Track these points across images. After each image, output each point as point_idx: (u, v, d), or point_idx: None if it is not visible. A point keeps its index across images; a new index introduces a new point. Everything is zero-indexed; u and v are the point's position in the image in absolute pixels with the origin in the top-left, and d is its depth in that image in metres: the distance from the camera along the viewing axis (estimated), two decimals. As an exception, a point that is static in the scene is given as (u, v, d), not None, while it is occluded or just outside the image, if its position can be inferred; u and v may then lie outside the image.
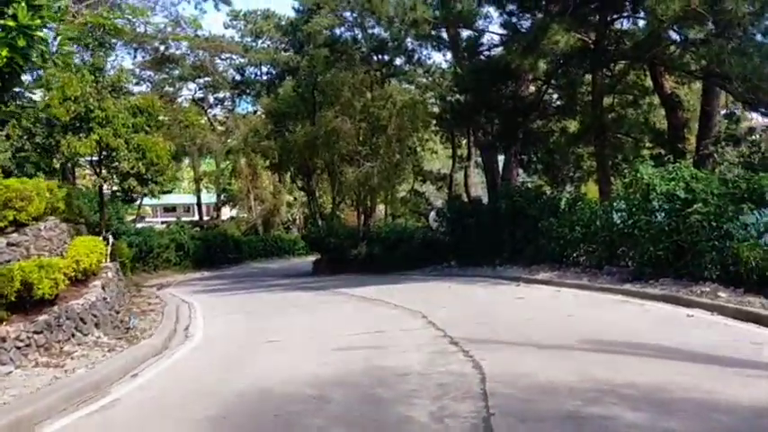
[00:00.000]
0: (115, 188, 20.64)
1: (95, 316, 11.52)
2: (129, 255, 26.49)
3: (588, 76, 21.66)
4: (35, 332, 9.44)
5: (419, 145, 37.70)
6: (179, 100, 51.82)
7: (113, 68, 28.53)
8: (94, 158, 20.44)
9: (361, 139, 29.88)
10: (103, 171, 20.70)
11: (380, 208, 41.87)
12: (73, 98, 19.35)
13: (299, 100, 34.17)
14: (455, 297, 15.18)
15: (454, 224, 24.39)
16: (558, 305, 12.45)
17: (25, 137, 20.27)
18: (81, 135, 19.49)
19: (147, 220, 65.35)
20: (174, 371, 9.03)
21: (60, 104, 19.37)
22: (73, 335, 10.49)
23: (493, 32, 22.69)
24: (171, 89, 50.87)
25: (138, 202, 57.28)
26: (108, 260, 16.53)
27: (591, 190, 24.60)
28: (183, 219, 59.01)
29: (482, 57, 23.79)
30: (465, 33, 27.13)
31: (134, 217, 48.01)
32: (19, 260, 11.05)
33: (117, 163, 19.98)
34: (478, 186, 43.82)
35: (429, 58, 42.84)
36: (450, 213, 24.95)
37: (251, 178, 49.35)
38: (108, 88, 20.26)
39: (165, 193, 54.29)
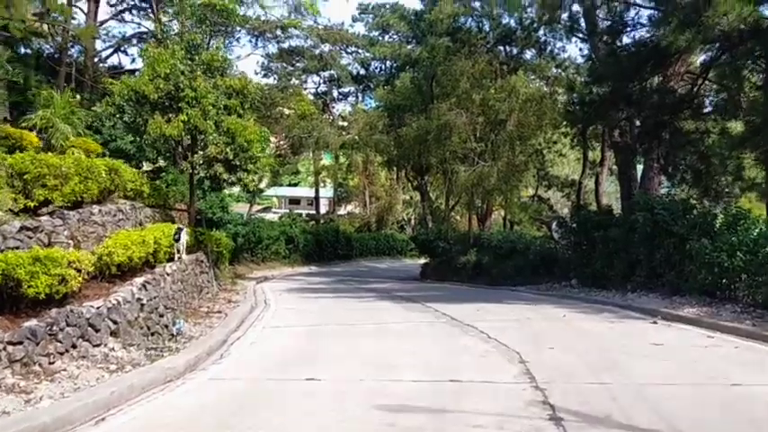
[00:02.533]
0: (202, 174, 18.84)
1: (115, 321, 9.35)
2: (227, 245, 24.96)
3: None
4: (10, 342, 7.28)
5: (546, 146, 33.88)
6: (304, 93, 50.72)
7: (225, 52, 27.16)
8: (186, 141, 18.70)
9: (477, 135, 26.68)
10: (194, 156, 18.96)
11: (498, 213, 38.42)
12: (163, 75, 17.73)
13: (415, 92, 31.55)
14: (569, 331, 11.79)
15: (579, 237, 20.67)
16: (713, 363, 8.79)
17: (117, 115, 19.02)
18: (170, 115, 17.82)
19: (273, 210, 65.68)
20: (157, 415, 6.51)
21: (150, 81, 17.86)
22: (74, 346, 8.32)
23: (640, 5, 18.58)
24: (296, 81, 49.93)
25: (265, 193, 57.97)
26: (181, 252, 14.58)
27: (754, 207, 19.90)
28: (305, 212, 58.45)
29: (624, 40, 19.83)
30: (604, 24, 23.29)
31: (249, 207, 47.61)
32: (31, 248, 9.07)
33: (204, 147, 18.16)
34: (611, 196, 39.22)
35: (563, 51, 38.79)
36: (575, 224, 21.22)
37: (366, 174, 47.38)
38: (202, 66, 18.45)
39: (271, 185, 53.23)
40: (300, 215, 51.26)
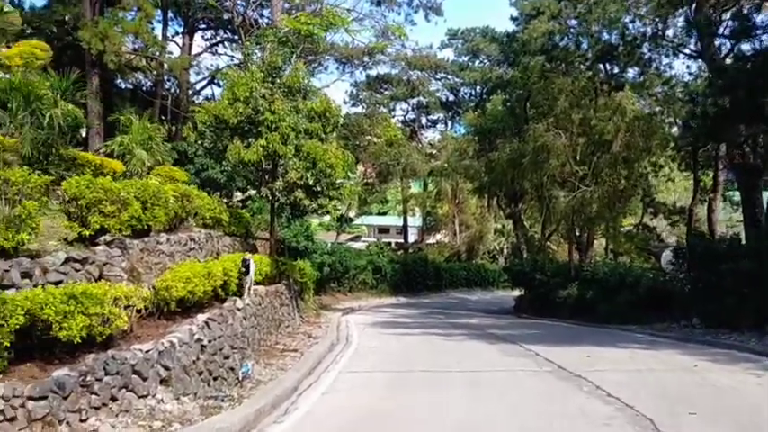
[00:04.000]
0: (282, 200, 17.73)
1: (166, 367, 8.05)
2: (311, 276, 23.86)
3: None
4: (31, 398, 6.05)
5: (651, 171, 31.00)
6: (391, 119, 49.82)
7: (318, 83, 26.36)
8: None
9: (577, 157, 24.45)
10: (275, 182, 17.92)
11: (599, 242, 35.58)
12: (242, 99, 16.88)
13: (507, 114, 29.71)
14: (705, 387, 9.55)
15: (699, 269, 18.03)
16: None
17: (199, 141, 18.33)
18: (250, 140, 16.89)
19: (363, 239, 64.90)
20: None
21: (229, 105, 17.04)
22: (113, 398, 7.04)
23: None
24: (384, 109, 49.12)
25: (354, 221, 57.21)
26: (249, 285, 13.34)
27: None
28: (393, 241, 57.18)
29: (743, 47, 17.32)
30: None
31: (343, 236, 46.83)
32: (78, 282, 7.95)
33: (285, 172, 17.09)
34: (722, 224, 35.53)
35: (670, 68, 35.92)
36: (693, 255, 18.60)
37: (456, 202, 45.59)
38: (282, 89, 17.47)
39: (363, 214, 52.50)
40: (389, 244, 50.03)
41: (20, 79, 11.07)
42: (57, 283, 7.62)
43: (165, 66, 31.98)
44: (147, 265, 10.45)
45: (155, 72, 32.62)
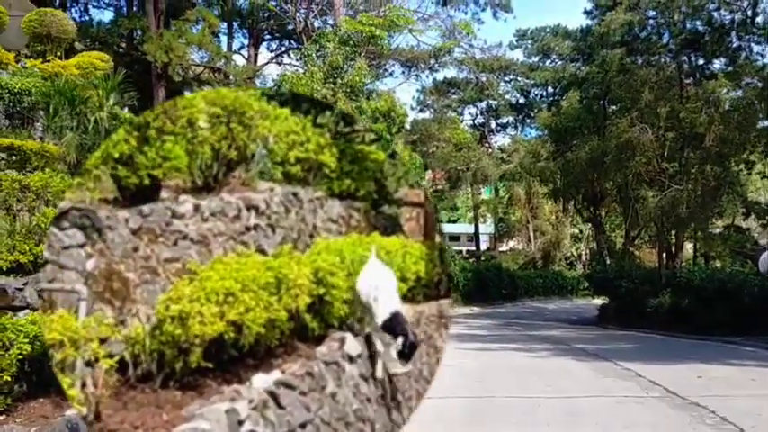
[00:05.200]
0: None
1: None
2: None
3: None
4: (37, 443, 4.94)
5: (744, 167, 28.26)
6: (460, 124, 48.27)
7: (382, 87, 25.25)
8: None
9: (665, 154, 22.25)
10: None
11: (687, 246, 32.82)
12: (304, 102, 15.83)
13: (584, 112, 27.67)
14: None
15: (817, 274, 15.70)
16: None
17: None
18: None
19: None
20: None
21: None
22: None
23: None
24: (453, 114, 47.61)
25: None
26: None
27: None
28: (464, 249, 55.40)
29: None
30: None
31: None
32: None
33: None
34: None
35: (761, 57, 32.95)
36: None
37: (529, 207, 43.51)
38: (344, 89, 16.35)
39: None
40: (459, 252, 48.34)
41: (64, 82, 10.27)
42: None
43: (231, 77, 31.65)
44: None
45: (220, 84, 32.38)
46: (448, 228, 72.97)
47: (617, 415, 8.19)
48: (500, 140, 53.01)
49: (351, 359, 5.31)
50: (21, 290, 5.93)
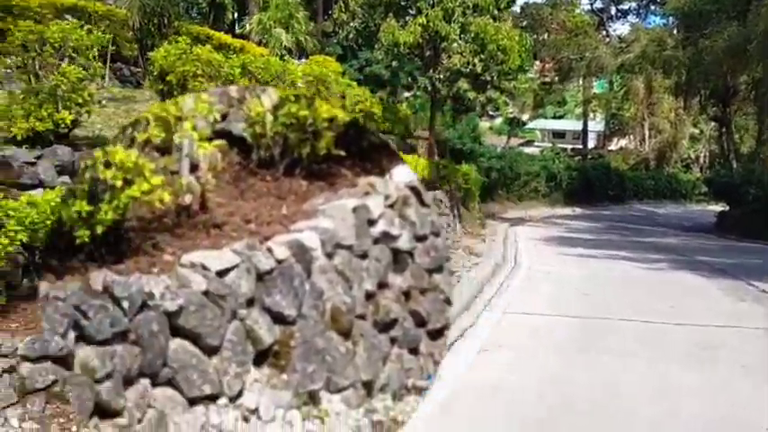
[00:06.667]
0: (444, 92, 14.71)
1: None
2: (477, 182, 20.87)
3: None
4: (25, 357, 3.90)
5: None
6: (576, 11, 43.63)
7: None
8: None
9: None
10: (435, 70, 14.87)
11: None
12: (399, -33, 13.80)
13: (726, -10, 23.55)
14: None
15: None
16: None
17: (350, 21, 15.66)
18: (407, 18, 13.90)
19: (535, 144, 60.31)
20: None
21: (384, -24, 14.07)
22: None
23: None
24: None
25: (527, 125, 52.57)
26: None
27: None
28: (569, 146, 51.97)
29: None
30: None
31: (513, 140, 43.06)
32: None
33: (444, 57, 13.98)
34: None
35: None
36: None
37: (647, 103, 39.42)
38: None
39: (547, 117, 48.04)
40: (564, 150, 45.22)
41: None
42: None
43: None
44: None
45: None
46: (553, 124, 68.96)
47: (763, 352, 6.43)
48: (619, 29, 47.96)
49: None
50: (32, 164, 4.80)
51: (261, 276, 3.24)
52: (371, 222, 3.69)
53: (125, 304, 2.73)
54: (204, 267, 3.02)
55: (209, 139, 3.41)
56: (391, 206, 3.79)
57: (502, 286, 9.85)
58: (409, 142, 17.19)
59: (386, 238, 3.77)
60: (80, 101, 5.27)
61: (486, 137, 31.20)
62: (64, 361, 3.15)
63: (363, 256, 3.69)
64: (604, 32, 43.20)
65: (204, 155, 3.35)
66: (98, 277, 2.83)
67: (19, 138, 5.06)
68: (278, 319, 3.37)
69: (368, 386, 3.54)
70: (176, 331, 2.89)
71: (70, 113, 5.19)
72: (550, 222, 25.27)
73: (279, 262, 3.31)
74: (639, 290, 10.03)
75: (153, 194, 3.01)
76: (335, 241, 3.57)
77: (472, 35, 13.82)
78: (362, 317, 3.62)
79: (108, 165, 2.69)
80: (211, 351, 3.02)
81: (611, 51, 36.09)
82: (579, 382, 5.25)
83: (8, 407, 3.76)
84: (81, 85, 5.25)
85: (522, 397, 4.93)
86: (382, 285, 3.74)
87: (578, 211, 32.55)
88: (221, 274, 3.10)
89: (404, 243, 3.83)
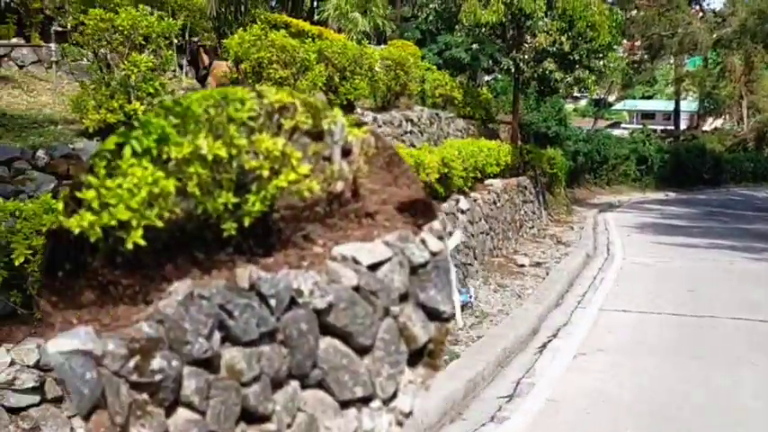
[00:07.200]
0: (528, 73, 13.90)
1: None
2: (563, 166, 19.91)
3: None
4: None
5: None
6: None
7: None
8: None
9: None
10: (519, 50, 14.09)
11: None
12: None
13: None
14: None
15: None
16: None
17: (429, 3, 15.05)
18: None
19: (623, 126, 57.67)
20: None
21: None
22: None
23: None
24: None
25: (614, 106, 50.14)
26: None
27: None
28: (659, 128, 49.25)
29: None
30: None
31: (600, 123, 41.25)
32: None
33: (529, 36, 13.20)
34: None
35: None
36: None
37: (745, 80, 36.65)
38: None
39: (636, 97, 45.57)
40: (655, 131, 42.82)
41: None
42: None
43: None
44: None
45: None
46: (642, 104, 65.68)
47: None
48: (713, 2, 44.75)
49: (462, 211, 8.79)
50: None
51: (414, 270, 3.04)
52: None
53: (272, 302, 2.50)
54: (355, 261, 2.78)
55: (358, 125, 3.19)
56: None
57: (595, 280, 9.15)
58: (491, 126, 16.50)
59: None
60: (151, 91, 5.05)
61: (571, 119, 29.85)
62: (209, 363, 2.95)
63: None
64: (698, 7, 40.44)
65: (356, 140, 3.07)
66: (244, 273, 2.59)
67: (91, 130, 4.89)
68: (433, 315, 3.09)
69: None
70: (326, 330, 2.65)
71: (142, 104, 4.98)
72: (642, 208, 23.91)
73: (433, 254, 3.01)
74: (748, 284, 9.08)
75: (301, 184, 2.75)
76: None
77: (559, 12, 12.97)
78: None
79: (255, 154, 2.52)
80: (363, 351, 2.76)
81: (705, 26, 33.71)
82: (694, 399, 4.60)
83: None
84: (152, 75, 5.02)
85: (627, 410, 4.34)
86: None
87: (672, 195, 30.76)
88: (373, 267, 2.85)
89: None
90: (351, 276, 2.69)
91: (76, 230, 1.67)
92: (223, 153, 2.24)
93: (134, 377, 1.76)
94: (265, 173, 2.42)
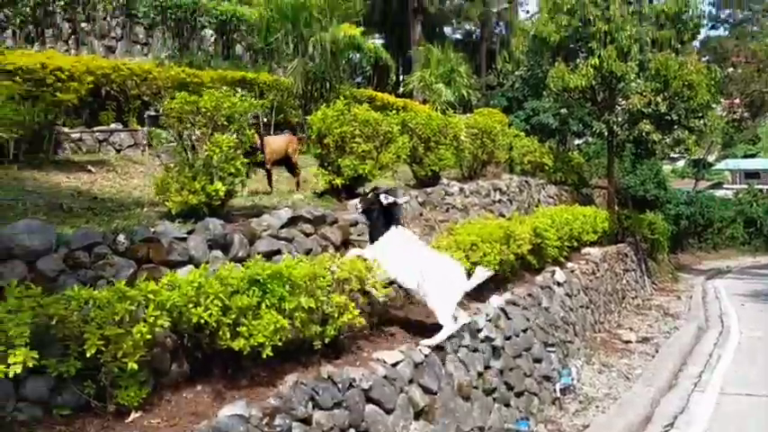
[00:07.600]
0: (623, 136, 13.24)
1: (428, 390, 4.96)
2: (664, 231, 18.70)
3: None
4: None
5: None
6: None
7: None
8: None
9: None
10: (611, 113, 13.53)
11: None
12: (566, 8, 12.88)
13: None
14: None
15: None
16: None
17: (515, 71, 14.86)
18: (578, 60, 12.89)
19: (725, 186, 54.46)
20: None
21: (550, 20, 13.18)
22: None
23: None
24: (756, 27, 38.94)
25: (714, 166, 47.44)
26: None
27: None
28: (765, 187, 46.02)
29: None
30: None
31: (701, 183, 39.11)
32: (305, 253, 5.33)
33: (621, 98, 12.67)
34: None
35: None
36: None
37: None
38: (619, -11, 12.91)
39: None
40: (761, 191, 40.06)
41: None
42: (269, 256, 5.03)
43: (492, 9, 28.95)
44: (426, 224, 7.50)
45: (480, 16, 29.83)
46: (744, 163, 61.92)
47: None
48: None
49: (558, 284, 8.24)
50: (182, 240, 4.50)
51: (416, 365, 4.96)
52: (477, 330, 5.95)
53: (339, 385, 4.23)
54: (384, 361, 4.72)
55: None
56: (491, 319, 6.21)
57: (711, 357, 8.21)
58: (584, 192, 15.80)
59: (488, 339, 6.04)
60: (233, 171, 4.98)
61: (669, 181, 28.40)
62: (307, 421, 4.04)
63: (474, 348, 5.83)
64: (803, 59, 38.22)
65: (386, 294, 5.19)
66: (325, 370, 4.31)
67: (173, 212, 4.84)
68: (427, 390, 4.97)
69: (481, 430, 5.47)
70: (368, 400, 4.44)
71: (224, 184, 4.90)
72: (754, 274, 21.98)
73: (426, 356, 5.10)
74: None
75: (355, 319, 4.64)
76: (460, 342, 5.65)
77: (652, 73, 12.40)
78: (476, 387, 5.61)
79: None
80: (389, 412, 4.53)
81: (814, 78, 31.64)
82: None
83: None
84: (234, 154, 4.96)
85: None
86: (487, 367, 5.90)
87: (786, 259, 28.27)
88: (394, 365, 4.76)
89: (497, 341, 6.13)
90: (381, 370, 4.55)
91: (237, 348, 3.86)
92: (313, 305, 4.21)
93: (265, 429, 3.59)
94: (336, 314, 4.44)
